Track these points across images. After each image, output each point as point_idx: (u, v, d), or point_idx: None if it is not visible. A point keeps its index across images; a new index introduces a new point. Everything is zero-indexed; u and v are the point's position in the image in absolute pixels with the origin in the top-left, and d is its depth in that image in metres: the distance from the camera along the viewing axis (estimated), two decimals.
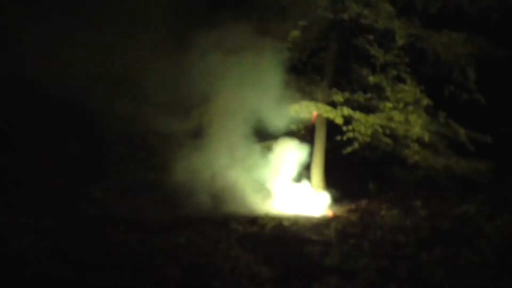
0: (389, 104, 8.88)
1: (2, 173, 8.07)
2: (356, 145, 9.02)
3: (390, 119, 8.90)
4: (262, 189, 8.95)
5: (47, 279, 4.97)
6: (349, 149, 9.08)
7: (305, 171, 9.37)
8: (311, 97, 9.25)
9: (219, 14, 8.41)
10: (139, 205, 8.01)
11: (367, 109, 9.14)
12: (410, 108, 8.80)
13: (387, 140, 9.10)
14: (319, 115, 9.22)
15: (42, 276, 5.03)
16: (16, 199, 7.44)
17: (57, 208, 7.51)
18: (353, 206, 8.85)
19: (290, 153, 9.10)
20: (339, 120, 8.89)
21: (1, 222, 6.41)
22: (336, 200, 9.11)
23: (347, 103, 9.09)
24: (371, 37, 8.75)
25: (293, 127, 9.43)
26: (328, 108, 8.99)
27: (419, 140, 8.92)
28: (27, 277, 4.99)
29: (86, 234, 6.48)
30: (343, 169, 9.73)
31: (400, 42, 8.45)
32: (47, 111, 8.40)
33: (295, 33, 8.78)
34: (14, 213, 6.75)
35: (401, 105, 8.82)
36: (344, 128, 8.95)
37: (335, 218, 8.18)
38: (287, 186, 9.13)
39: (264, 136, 9.22)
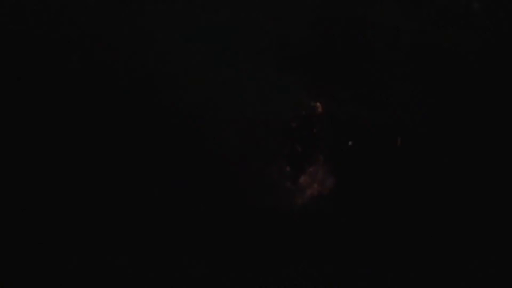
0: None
1: None
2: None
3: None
4: None
5: None
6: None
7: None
8: (316, 94, 9.18)
9: None
10: None
11: (373, 106, 9.05)
12: None
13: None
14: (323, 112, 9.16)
15: None
16: None
17: None
18: None
19: None
20: (344, 117, 8.83)
21: None
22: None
23: (353, 99, 9.01)
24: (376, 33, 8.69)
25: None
26: (333, 104, 8.93)
27: None
28: None
29: None
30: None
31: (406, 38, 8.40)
32: None
33: None
34: None
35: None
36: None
37: None
38: None
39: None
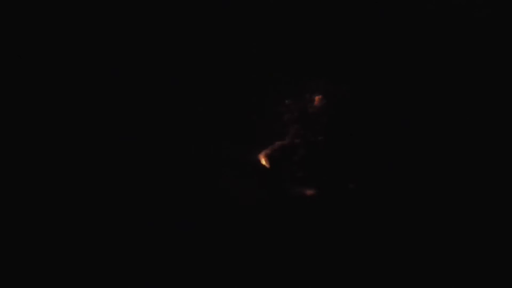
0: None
1: None
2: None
3: None
4: None
5: None
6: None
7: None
8: (320, 89, 9.21)
9: None
10: None
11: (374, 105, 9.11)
12: None
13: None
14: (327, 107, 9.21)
15: None
16: None
17: None
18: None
19: None
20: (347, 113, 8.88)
21: None
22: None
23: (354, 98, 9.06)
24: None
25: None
26: (337, 100, 8.96)
27: None
28: None
29: None
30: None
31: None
32: None
33: None
34: None
35: None
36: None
37: None
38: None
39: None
